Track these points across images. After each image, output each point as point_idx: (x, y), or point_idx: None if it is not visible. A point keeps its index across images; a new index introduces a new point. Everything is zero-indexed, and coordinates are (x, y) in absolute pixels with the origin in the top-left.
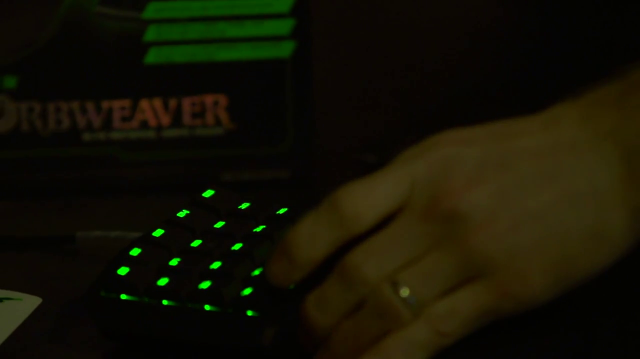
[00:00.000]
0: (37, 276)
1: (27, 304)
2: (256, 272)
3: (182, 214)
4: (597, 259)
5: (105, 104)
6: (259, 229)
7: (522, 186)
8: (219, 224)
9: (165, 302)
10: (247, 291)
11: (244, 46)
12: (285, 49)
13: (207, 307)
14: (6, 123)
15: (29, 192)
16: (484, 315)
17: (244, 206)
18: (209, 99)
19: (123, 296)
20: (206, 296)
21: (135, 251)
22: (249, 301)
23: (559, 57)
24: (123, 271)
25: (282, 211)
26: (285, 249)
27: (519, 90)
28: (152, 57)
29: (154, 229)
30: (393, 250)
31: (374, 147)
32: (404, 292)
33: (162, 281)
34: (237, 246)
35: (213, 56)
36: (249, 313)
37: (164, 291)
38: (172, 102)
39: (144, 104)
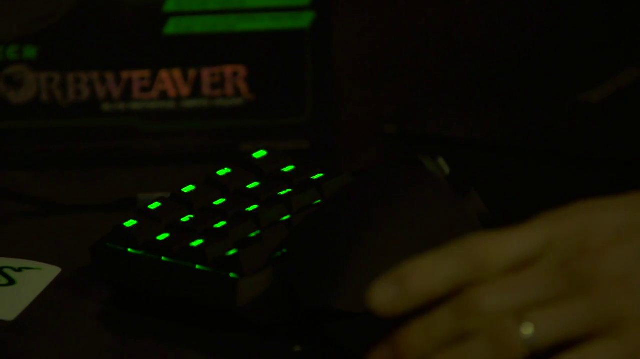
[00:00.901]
0: (56, 246)
1: (46, 273)
2: (253, 234)
3: (222, 172)
4: None
5: (124, 75)
6: (283, 192)
7: None
8: (252, 185)
9: (164, 258)
10: (232, 252)
11: (263, 17)
12: (304, 20)
13: (197, 266)
14: (26, 93)
15: (48, 162)
16: None
17: (287, 168)
18: (228, 70)
19: (130, 250)
20: (192, 254)
21: (154, 205)
22: (230, 262)
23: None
24: (130, 223)
25: (316, 176)
26: (400, 275)
27: (540, 61)
28: (172, 27)
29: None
30: (520, 291)
31: (394, 117)
32: (527, 329)
33: (162, 237)
34: (251, 207)
35: (233, 27)
36: (232, 274)
37: (160, 247)
38: (192, 73)
39: (164, 74)
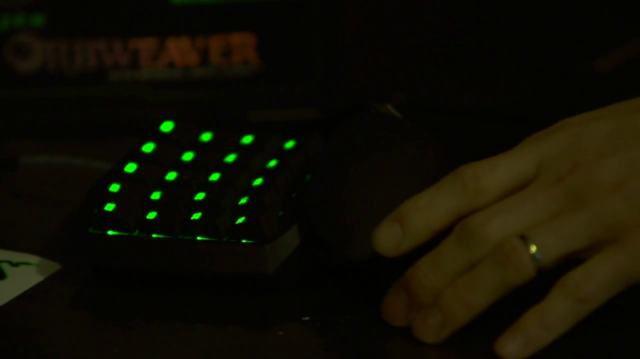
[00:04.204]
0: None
1: (41, 270)
2: (242, 201)
3: (147, 148)
4: None
5: (132, 44)
6: (230, 158)
7: None
8: (188, 156)
9: (155, 235)
10: (241, 220)
11: None
12: None
13: (199, 238)
14: (33, 62)
15: (55, 132)
16: (620, 278)
17: (206, 137)
18: (236, 39)
19: (110, 232)
20: (200, 226)
21: (114, 187)
22: (243, 230)
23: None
24: (110, 207)
25: (247, 139)
26: (400, 214)
27: (550, 29)
28: None
29: (124, 164)
30: (519, 211)
31: (402, 86)
32: (532, 247)
33: (151, 215)
34: (214, 177)
35: None
36: (244, 241)
37: (155, 225)
38: (200, 42)
39: (171, 43)
